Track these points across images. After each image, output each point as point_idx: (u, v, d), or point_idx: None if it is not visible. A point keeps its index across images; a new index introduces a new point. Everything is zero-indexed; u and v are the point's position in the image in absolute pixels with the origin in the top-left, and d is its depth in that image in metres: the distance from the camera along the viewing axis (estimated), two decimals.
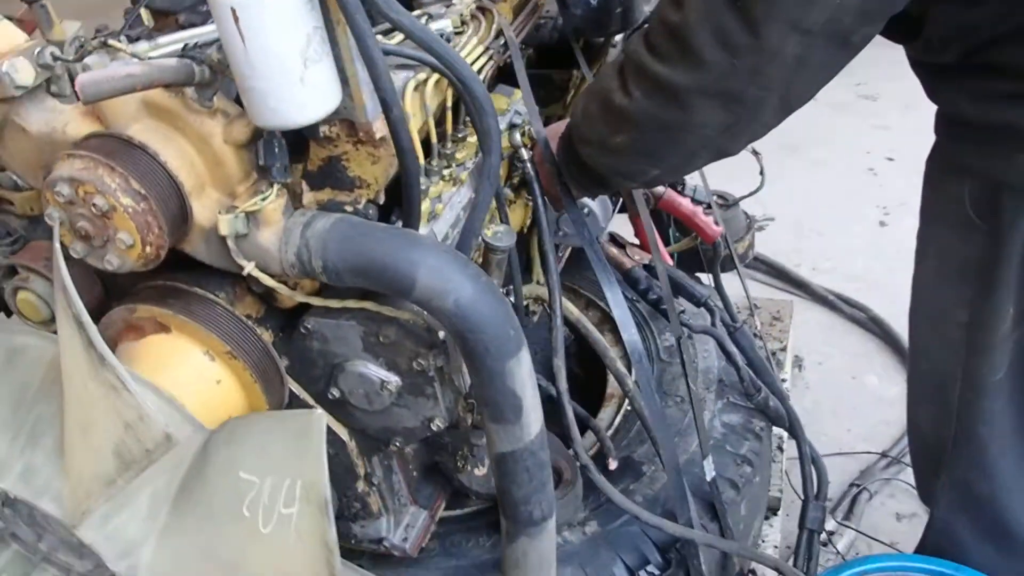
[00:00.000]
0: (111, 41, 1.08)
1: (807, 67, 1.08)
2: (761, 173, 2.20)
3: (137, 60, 1.05)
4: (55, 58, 1.13)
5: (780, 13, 1.04)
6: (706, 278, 2.08)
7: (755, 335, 2.34)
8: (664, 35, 1.13)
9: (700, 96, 1.12)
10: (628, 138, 1.23)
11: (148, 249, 1.09)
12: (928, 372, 1.53)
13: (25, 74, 1.10)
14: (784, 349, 2.55)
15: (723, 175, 2.41)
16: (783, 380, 2.47)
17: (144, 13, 1.55)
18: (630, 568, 1.54)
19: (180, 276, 1.24)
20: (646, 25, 1.21)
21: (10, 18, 3.58)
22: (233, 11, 0.91)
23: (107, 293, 1.31)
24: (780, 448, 2.18)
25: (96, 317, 1.29)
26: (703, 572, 1.54)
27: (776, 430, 1.94)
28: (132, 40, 1.34)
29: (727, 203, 2.27)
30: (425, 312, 1.12)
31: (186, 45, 1.06)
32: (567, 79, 1.76)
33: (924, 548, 1.63)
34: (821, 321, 3.06)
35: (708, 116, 1.14)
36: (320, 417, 0.90)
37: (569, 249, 1.98)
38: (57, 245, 0.95)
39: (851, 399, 2.69)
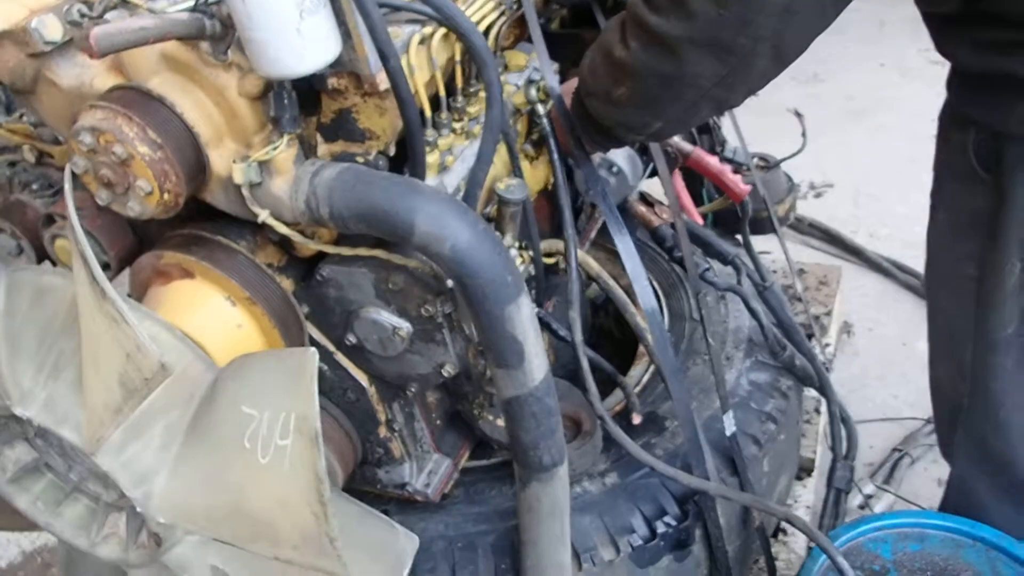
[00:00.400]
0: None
1: (796, 15, 1.08)
2: (803, 135, 2.17)
3: (151, 14, 1.10)
4: (82, 15, 1.18)
5: None
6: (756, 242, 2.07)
7: (797, 298, 2.33)
8: None
9: (692, 46, 1.13)
10: (628, 90, 1.25)
11: (166, 196, 1.14)
12: (943, 328, 1.51)
13: (53, 30, 1.16)
14: (829, 313, 2.52)
15: (768, 136, 2.39)
16: (827, 344, 2.44)
17: None
18: (648, 518, 1.57)
19: (206, 225, 1.31)
20: None
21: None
22: None
23: (140, 241, 1.38)
24: (817, 410, 2.16)
25: (129, 264, 1.37)
26: (719, 524, 1.55)
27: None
28: None
29: (768, 164, 2.25)
30: None
31: (198, 1, 1.10)
32: (595, 38, 1.77)
33: (945, 506, 1.62)
34: (874, 287, 3.01)
35: (702, 67, 1.15)
36: (312, 355, 0.95)
37: None
38: (68, 187, 1.01)
39: (900, 365, 2.65)
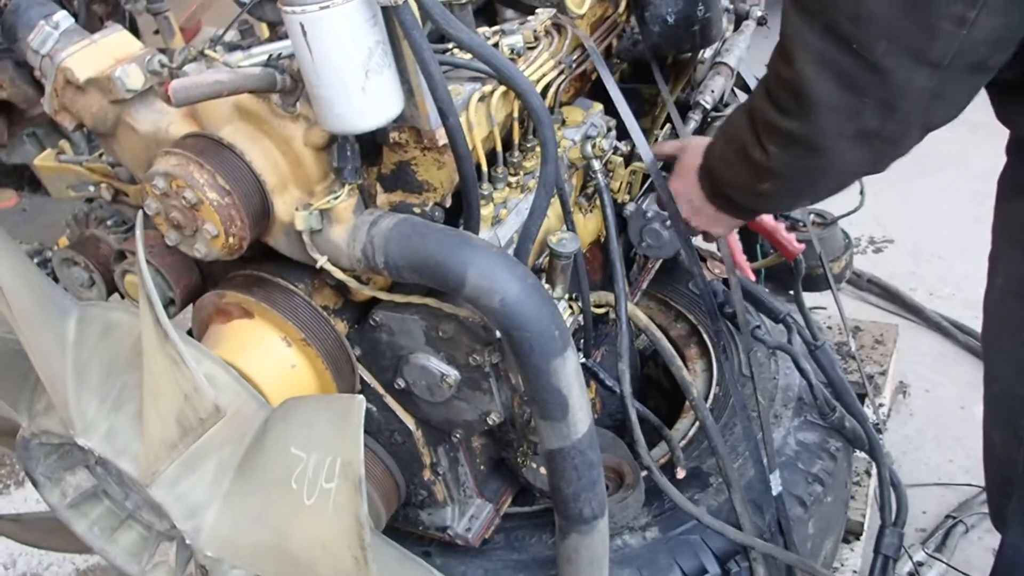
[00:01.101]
0: (207, 51, 1.19)
1: (943, 97, 1.05)
2: (861, 192, 2.16)
3: (227, 68, 1.16)
4: (162, 65, 1.25)
5: (901, 49, 1.01)
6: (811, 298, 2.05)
7: (851, 356, 2.30)
8: (782, 90, 1.12)
9: (837, 140, 1.10)
10: (773, 186, 1.24)
11: (231, 240, 1.20)
12: (999, 394, 1.48)
13: (135, 79, 1.23)
14: (884, 373, 2.48)
15: None
16: (881, 404, 2.41)
17: (260, 26, 1.70)
18: (688, 575, 1.56)
19: (267, 267, 1.36)
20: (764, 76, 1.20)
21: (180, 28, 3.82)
22: (302, 26, 1.00)
23: (204, 279, 1.44)
24: (868, 472, 2.13)
25: (193, 300, 1.43)
26: None
27: None
28: (232, 49, 1.48)
29: (825, 221, 2.24)
30: None
31: (271, 56, 1.16)
32: (656, 94, 1.79)
33: (995, 575, 1.58)
34: (932, 347, 2.95)
35: (850, 156, 1.13)
36: (360, 402, 0.98)
37: (659, 260, 2.01)
38: (139, 234, 1.06)
39: (956, 428, 2.59)
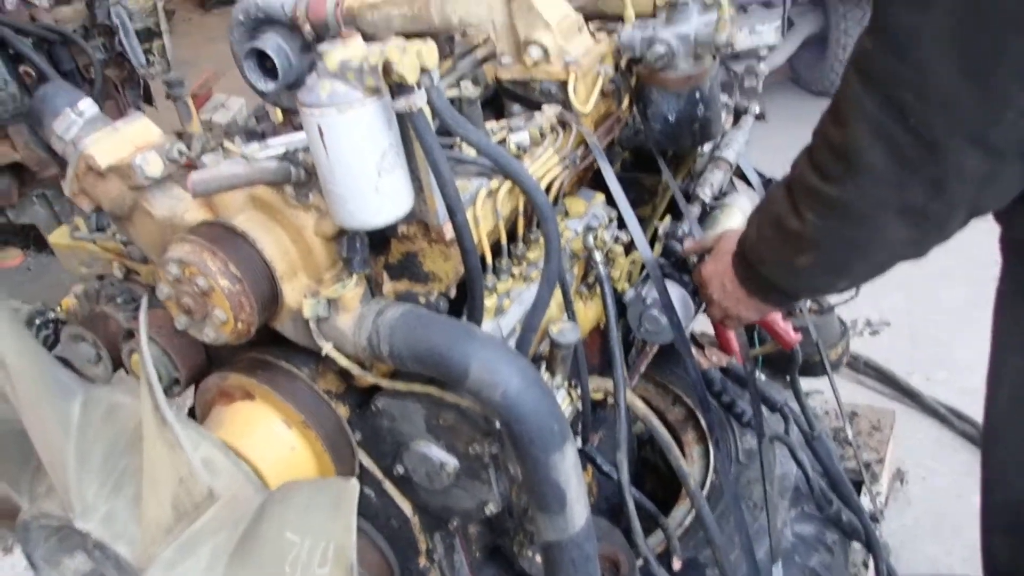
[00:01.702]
0: (226, 143, 1.23)
1: (995, 183, 1.03)
2: None
3: (244, 160, 1.20)
4: (180, 153, 1.29)
5: (961, 130, 0.98)
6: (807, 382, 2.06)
7: (847, 443, 2.31)
8: (830, 155, 1.10)
9: (879, 211, 1.08)
10: (812, 259, 1.19)
11: (240, 325, 1.22)
12: (1002, 503, 1.48)
13: (155, 167, 1.27)
14: (881, 461, 2.48)
15: None
16: (878, 493, 2.40)
17: (274, 111, 1.75)
18: None
19: (272, 350, 1.38)
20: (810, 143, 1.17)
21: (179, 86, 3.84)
22: (319, 128, 1.04)
23: (209, 359, 1.46)
24: (866, 564, 2.12)
25: (198, 380, 1.45)
26: None
27: None
28: (256, 135, 1.53)
29: (821, 309, 2.26)
30: None
31: (287, 150, 1.20)
32: (656, 184, 1.84)
33: None
34: (929, 434, 2.95)
35: (890, 231, 1.10)
36: (353, 486, 0.99)
37: (657, 345, 2.03)
38: (143, 318, 1.08)
39: (954, 518, 2.58)
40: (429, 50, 1.03)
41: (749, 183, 1.95)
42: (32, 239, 4.69)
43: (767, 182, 2.02)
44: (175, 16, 8.58)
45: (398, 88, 1.04)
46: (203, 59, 7.82)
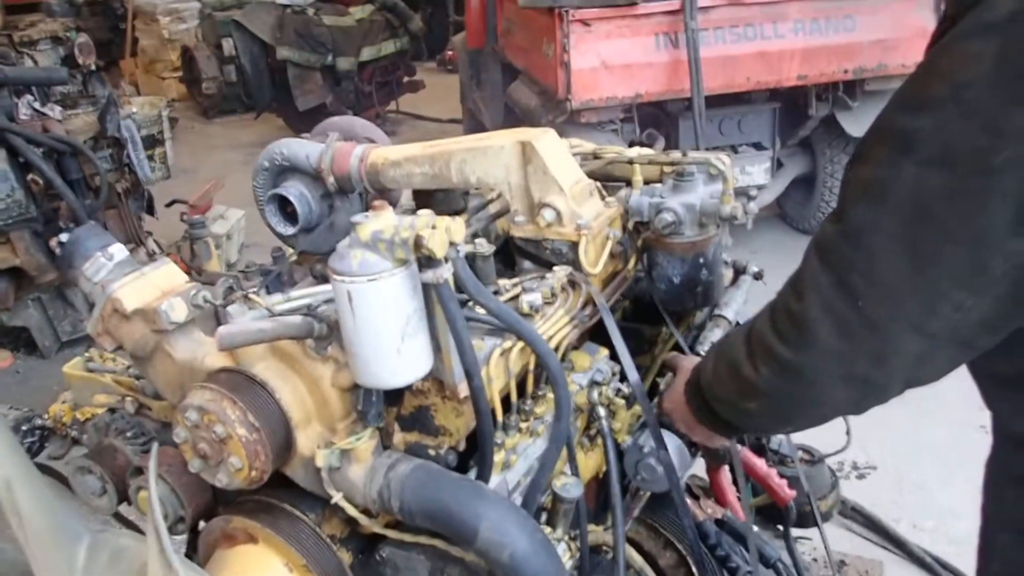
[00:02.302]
0: (251, 295, 1.28)
1: (930, 362, 1.13)
2: (847, 433, 2.24)
3: (268, 313, 1.25)
4: (205, 300, 1.34)
5: (902, 317, 1.09)
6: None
7: None
8: (787, 321, 1.19)
9: (825, 377, 1.17)
10: (759, 406, 1.29)
11: (254, 473, 1.25)
12: None
13: (180, 312, 1.31)
14: None
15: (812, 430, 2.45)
16: None
17: (290, 251, 1.81)
18: None
19: (279, 492, 1.39)
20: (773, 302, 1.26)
21: (184, 202, 4.10)
22: (348, 294, 1.09)
23: (216, 498, 1.47)
24: None
25: (205, 518, 1.46)
26: None
27: None
28: (275, 278, 1.58)
29: (813, 459, 2.30)
30: None
31: (310, 306, 1.25)
32: (656, 334, 1.90)
33: None
34: None
35: (835, 393, 1.19)
36: None
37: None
38: (153, 465, 1.11)
39: None
40: (458, 227, 1.10)
41: None
42: (23, 342, 4.70)
43: None
44: (178, 124, 8.81)
45: (426, 260, 1.09)
46: (203, 166, 8.02)
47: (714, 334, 1.76)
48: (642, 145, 4.52)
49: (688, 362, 1.56)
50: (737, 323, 1.89)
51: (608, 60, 4.34)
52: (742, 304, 1.86)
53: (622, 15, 4.31)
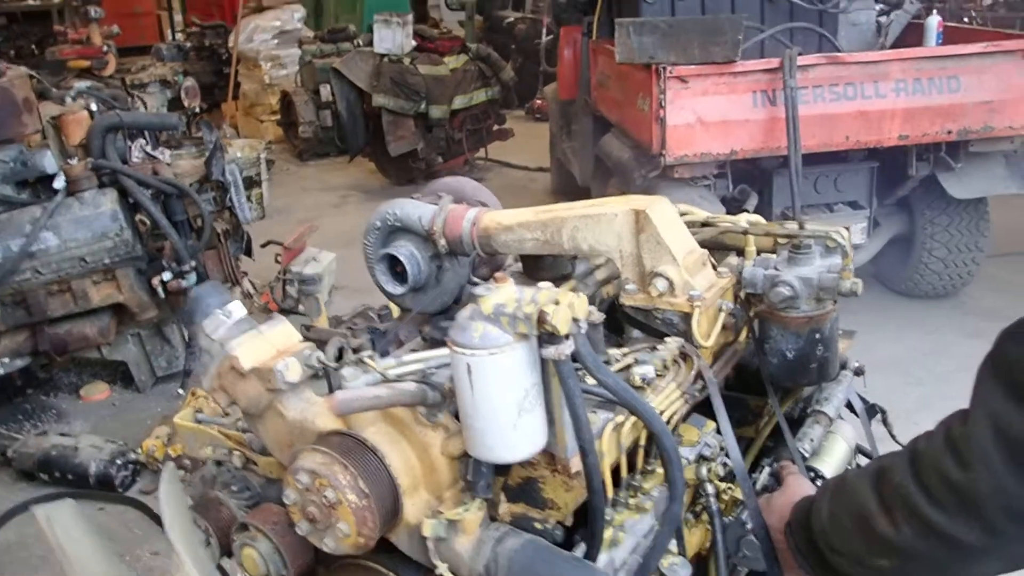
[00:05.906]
0: (365, 359, 1.29)
1: None
2: None
3: (381, 378, 1.25)
4: (320, 362, 1.35)
5: None
6: None
7: None
8: (945, 489, 1.10)
9: (983, 555, 1.10)
10: (892, 564, 1.20)
11: (361, 540, 1.24)
12: None
13: (294, 373, 1.33)
14: None
15: None
16: None
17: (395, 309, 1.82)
18: None
19: (381, 558, 1.38)
20: (914, 458, 1.16)
21: (279, 243, 4.19)
22: (468, 366, 1.09)
23: (316, 557, 1.47)
24: None
25: None
26: None
27: None
28: (382, 336, 1.59)
29: None
30: None
31: (423, 371, 1.25)
32: (761, 406, 1.84)
33: None
34: None
35: (987, 569, 1.13)
36: None
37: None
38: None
39: None
40: (581, 304, 1.08)
41: (853, 410, 1.95)
42: (120, 375, 4.84)
43: (870, 408, 2.01)
44: (274, 166, 9.08)
45: (548, 336, 1.08)
46: (297, 207, 8.23)
47: (814, 431, 1.70)
48: (735, 200, 4.45)
49: (796, 483, 1.48)
50: (840, 418, 1.82)
51: (704, 116, 4.31)
52: (843, 401, 1.79)
53: (720, 72, 4.29)
